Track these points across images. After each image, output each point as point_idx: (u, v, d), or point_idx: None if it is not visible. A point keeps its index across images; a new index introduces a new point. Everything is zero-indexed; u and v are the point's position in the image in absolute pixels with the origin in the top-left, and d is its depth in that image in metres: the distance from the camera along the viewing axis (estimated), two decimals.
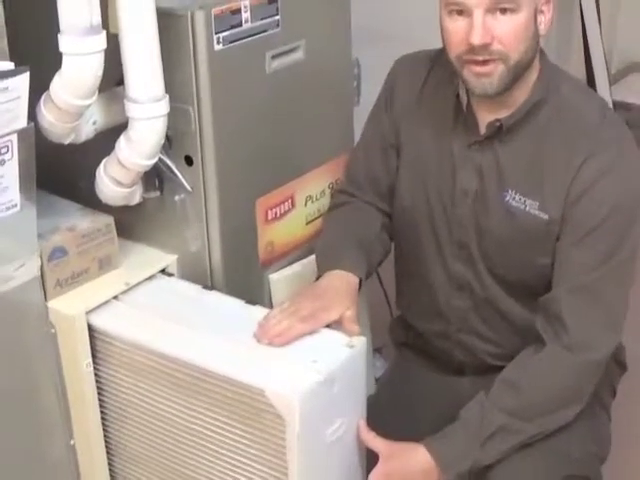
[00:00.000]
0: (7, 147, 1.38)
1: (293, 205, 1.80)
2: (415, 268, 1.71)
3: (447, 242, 1.63)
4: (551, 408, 1.52)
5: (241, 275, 1.74)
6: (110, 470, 1.70)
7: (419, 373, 1.79)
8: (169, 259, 1.70)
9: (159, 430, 1.59)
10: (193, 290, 1.66)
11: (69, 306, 1.57)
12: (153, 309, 1.60)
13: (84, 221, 1.62)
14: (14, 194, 1.43)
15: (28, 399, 1.59)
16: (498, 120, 1.53)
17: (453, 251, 1.64)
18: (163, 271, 1.70)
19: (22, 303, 1.54)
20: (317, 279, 1.62)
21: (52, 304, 1.58)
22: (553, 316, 1.52)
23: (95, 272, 1.64)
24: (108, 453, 1.69)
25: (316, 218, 1.86)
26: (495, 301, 1.64)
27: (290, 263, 1.83)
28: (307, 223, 1.85)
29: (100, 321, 1.58)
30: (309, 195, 1.84)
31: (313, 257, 1.82)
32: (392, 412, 1.69)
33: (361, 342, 1.50)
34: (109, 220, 1.64)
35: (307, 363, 1.44)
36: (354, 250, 1.65)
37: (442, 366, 1.76)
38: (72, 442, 1.67)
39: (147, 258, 1.71)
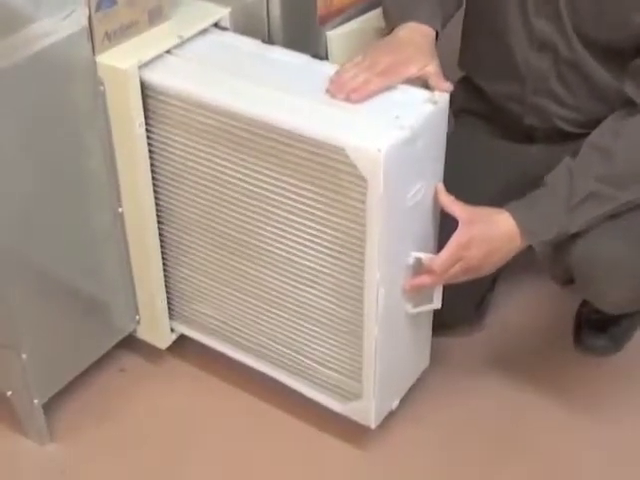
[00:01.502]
0: None
1: None
2: (490, 24, 1.57)
3: None
4: None
5: (299, 31, 1.59)
6: (160, 239, 1.61)
7: (483, 140, 1.69)
8: (222, 12, 1.54)
9: (218, 196, 1.48)
10: (252, 45, 1.51)
11: (120, 60, 1.42)
12: (212, 63, 1.46)
13: None
14: None
15: (74, 163, 1.47)
16: None
17: (537, 5, 1.49)
18: (216, 25, 1.54)
19: (69, 57, 1.39)
20: (389, 33, 1.48)
21: (101, 58, 1.42)
22: None
23: (145, 25, 1.48)
24: (158, 222, 1.59)
25: None
26: (578, 63, 1.52)
27: (348, 20, 1.68)
28: None
29: (154, 76, 1.43)
30: None
31: (372, 14, 1.69)
32: (453, 184, 1.59)
33: (444, 98, 1.37)
34: None
35: (389, 119, 1.32)
36: (430, 2, 1.50)
37: (509, 132, 1.67)
38: (120, 210, 1.56)
39: (198, 11, 1.54)
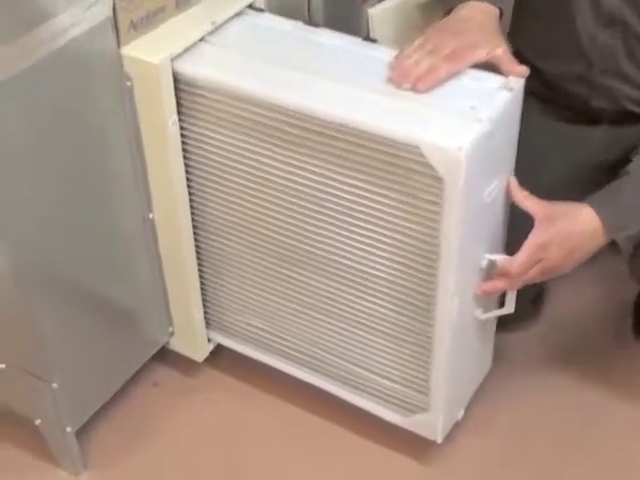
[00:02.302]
0: None
1: None
2: (553, 1, 1.43)
3: None
4: None
5: (341, 10, 1.44)
6: (195, 244, 1.46)
7: (543, 123, 1.53)
8: None
9: (265, 198, 1.33)
10: (294, 27, 1.34)
11: (149, 53, 1.25)
12: (252, 51, 1.30)
13: None
14: None
15: (98, 167, 1.31)
16: None
17: None
18: (250, 7, 1.38)
19: (93, 52, 1.22)
20: (447, 13, 1.33)
21: (127, 51, 1.26)
22: None
23: (172, 11, 1.31)
24: (193, 227, 1.43)
25: None
26: None
27: None
28: None
29: (188, 68, 1.27)
30: None
31: None
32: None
33: (519, 84, 1.23)
34: None
35: (464, 110, 1.18)
36: None
37: (572, 114, 1.51)
38: (151, 215, 1.41)
39: None
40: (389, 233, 1.25)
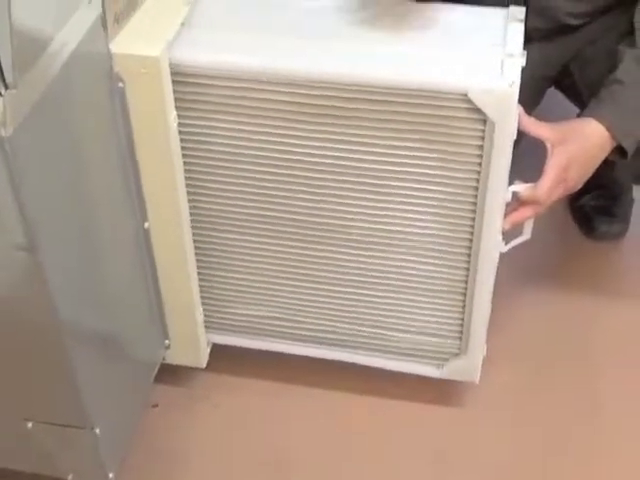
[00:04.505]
0: None
1: None
2: None
3: None
4: None
5: None
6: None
7: None
8: None
9: (282, 180, 1.25)
10: None
11: (142, 46, 1.13)
12: (239, 27, 1.21)
13: None
14: None
15: (89, 179, 1.17)
16: None
17: None
18: None
19: (87, 57, 1.07)
20: None
21: (117, 48, 1.13)
22: None
23: None
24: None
25: None
26: None
27: None
28: None
29: (183, 56, 1.16)
30: None
31: None
32: None
33: (523, 12, 1.23)
34: None
35: (490, 48, 1.16)
36: None
37: None
38: (146, 225, 1.29)
39: None
40: (431, 187, 1.22)
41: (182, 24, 1.19)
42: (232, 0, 1.26)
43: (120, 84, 1.15)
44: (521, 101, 1.23)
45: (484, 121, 1.14)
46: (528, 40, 1.48)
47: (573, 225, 1.79)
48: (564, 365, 1.56)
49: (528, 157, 1.34)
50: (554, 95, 1.63)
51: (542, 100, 1.63)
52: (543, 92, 1.62)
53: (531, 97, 1.55)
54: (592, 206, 1.77)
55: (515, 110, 1.14)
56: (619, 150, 1.34)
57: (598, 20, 1.50)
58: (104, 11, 1.09)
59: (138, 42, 1.14)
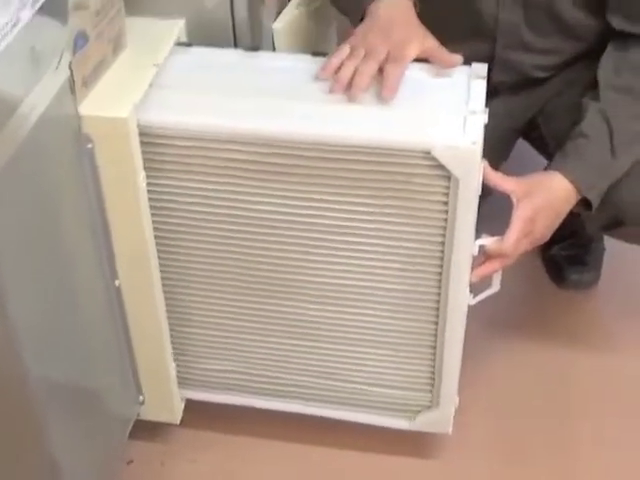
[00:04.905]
0: None
1: None
2: None
3: None
4: None
5: (253, 28, 1.38)
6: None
7: None
8: (177, 25, 1.30)
9: (248, 238, 1.26)
10: (235, 55, 1.28)
11: (110, 107, 1.15)
12: (206, 88, 1.23)
13: None
14: None
15: (59, 240, 1.18)
16: None
17: None
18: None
19: (56, 119, 1.09)
20: (356, 16, 1.33)
21: (85, 110, 1.15)
22: None
23: (110, 58, 1.21)
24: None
25: None
26: (551, 5, 1.44)
27: (281, 8, 1.49)
28: None
29: (150, 117, 1.18)
30: None
31: None
32: None
33: (484, 69, 1.26)
34: None
35: (454, 106, 1.19)
36: None
37: None
38: (117, 283, 1.30)
39: (149, 28, 1.28)
40: (397, 243, 1.23)
41: (150, 85, 1.21)
42: (198, 61, 1.28)
43: (89, 145, 1.17)
44: (489, 154, 1.26)
45: (448, 177, 1.16)
46: (494, 93, 1.53)
47: (545, 275, 1.81)
48: (539, 415, 1.57)
49: (497, 209, 1.36)
50: (526, 146, 1.66)
51: (511, 152, 1.66)
52: (511, 144, 1.65)
53: (499, 149, 1.58)
54: (563, 255, 1.79)
55: (479, 166, 1.16)
56: (584, 202, 1.36)
57: (563, 73, 1.54)
58: (72, 75, 1.12)
59: (106, 104, 1.16)
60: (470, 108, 1.18)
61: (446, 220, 1.20)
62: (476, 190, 1.18)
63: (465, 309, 1.30)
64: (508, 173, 1.32)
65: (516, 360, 1.65)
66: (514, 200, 1.31)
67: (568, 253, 1.79)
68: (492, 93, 1.50)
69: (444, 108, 1.19)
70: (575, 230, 1.74)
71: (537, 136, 1.58)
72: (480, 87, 1.22)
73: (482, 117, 1.17)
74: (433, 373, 1.37)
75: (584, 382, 1.63)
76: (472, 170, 1.15)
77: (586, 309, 1.76)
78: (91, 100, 1.16)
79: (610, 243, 1.79)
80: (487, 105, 1.22)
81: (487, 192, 1.31)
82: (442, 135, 1.14)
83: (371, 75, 1.22)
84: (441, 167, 1.15)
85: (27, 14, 0.99)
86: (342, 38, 1.36)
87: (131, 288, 1.31)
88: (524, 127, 1.61)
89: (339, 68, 1.23)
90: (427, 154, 1.14)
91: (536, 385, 1.62)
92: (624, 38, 1.40)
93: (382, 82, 1.21)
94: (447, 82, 1.24)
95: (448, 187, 1.17)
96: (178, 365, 1.43)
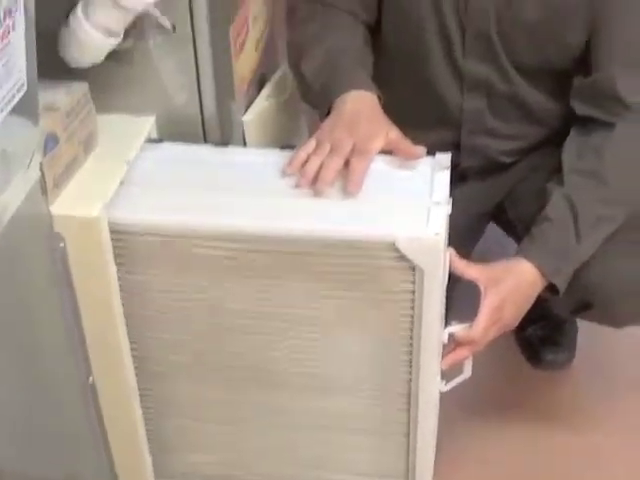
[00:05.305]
0: None
1: (248, 29, 1.48)
2: (414, 75, 1.50)
3: (457, 37, 1.44)
4: None
5: (222, 123, 1.42)
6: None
7: None
8: (148, 122, 1.33)
9: (220, 330, 1.28)
10: (206, 151, 1.31)
11: (81, 207, 1.17)
12: (177, 184, 1.25)
13: (58, 93, 1.20)
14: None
15: (27, 345, 1.19)
16: None
17: (467, 47, 1.45)
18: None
19: (28, 219, 1.12)
20: (324, 110, 1.36)
21: (57, 210, 1.17)
22: (606, 95, 1.40)
23: (82, 158, 1.24)
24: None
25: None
26: (514, 93, 1.49)
27: (250, 100, 1.53)
28: (256, 49, 1.54)
29: (120, 215, 1.20)
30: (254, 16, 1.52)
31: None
32: None
33: (447, 160, 1.28)
34: (84, 87, 1.23)
35: (417, 198, 1.21)
36: (358, 67, 1.41)
37: None
38: (91, 379, 1.31)
39: (119, 125, 1.31)
40: (365, 332, 1.25)
41: (121, 182, 1.24)
42: (169, 157, 1.31)
43: (61, 244, 1.19)
44: (458, 240, 1.29)
45: (413, 268, 1.18)
46: (463, 178, 1.58)
47: (520, 356, 1.82)
48: None
49: (469, 293, 1.38)
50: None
51: (482, 236, 1.69)
52: (481, 228, 1.68)
53: (468, 235, 1.61)
54: (538, 336, 1.81)
55: (443, 257, 1.19)
56: (552, 287, 1.38)
57: (528, 158, 1.58)
58: (43, 175, 1.14)
59: (77, 203, 1.18)
60: (434, 199, 1.21)
61: (413, 309, 1.22)
62: (442, 280, 1.20)
63: (437, 396, 1.31)
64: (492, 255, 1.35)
65: (493, 441, 1.66)
66: (481, 288, 1.33)
67: (542, 333, 1.81)
68: (460, 178, 1.57)
69: (408, 200, 1.21)
70: (545, 314, 1.76)
71: (505, 220, 1.62)
72: (443, 178, 1.25)
73: (445, 208, 1.20)
74: (408, 460, 1.38)
75: (562, 459, 1.64)
76: (436, 260, 1.17)
77: (562, 388, 1.77)
78: (63, 199, 1.19)
79: (583, 322, 1.81)
80: (456, 190, 1.25)
81: (456, 278, 1.34)
82: (405, 227, 1.17)
83: (336, 169, 1.24)
84: (406, 258, 1.17)
85: None
86: (312, 129, 1.40)
87: (105, 384, 1.31)
88: (493, 211, 1.64)
89: (306, 162, 1.27)
90: (391, 246, 1.16)
91: (516, 466, 1.63)
92: (586, 122, 1.44)
93: (348, 176, 1.24)
94: (411, 174, 1.26)
95: (414, 277, 1.19)
96: (154, 456, 1.43)
